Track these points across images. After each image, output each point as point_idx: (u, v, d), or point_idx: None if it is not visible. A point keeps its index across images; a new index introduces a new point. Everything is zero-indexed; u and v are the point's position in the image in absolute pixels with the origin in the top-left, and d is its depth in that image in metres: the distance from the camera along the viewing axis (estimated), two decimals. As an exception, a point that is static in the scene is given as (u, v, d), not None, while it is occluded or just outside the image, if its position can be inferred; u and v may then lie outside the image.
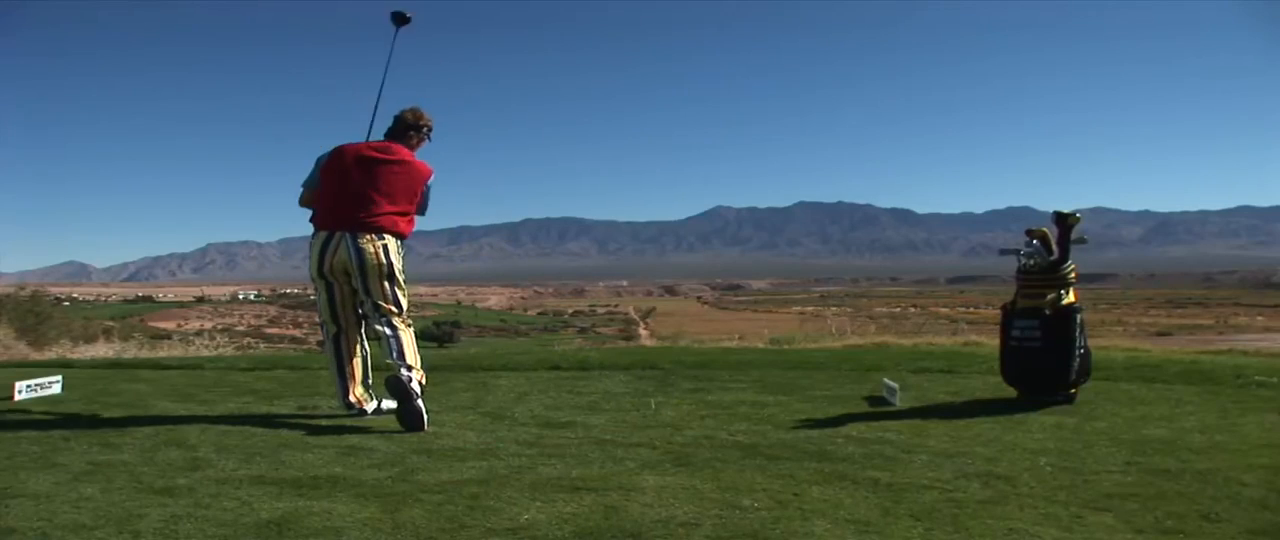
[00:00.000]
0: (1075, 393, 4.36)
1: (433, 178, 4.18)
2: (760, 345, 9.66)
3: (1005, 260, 4.67)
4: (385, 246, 3.99)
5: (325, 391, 4.74)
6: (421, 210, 4.21)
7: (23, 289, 17.29)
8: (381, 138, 4.21)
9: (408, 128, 4.21)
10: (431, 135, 4.32)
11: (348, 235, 3.97)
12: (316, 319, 4.26)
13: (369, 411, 4.13)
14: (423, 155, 4.24)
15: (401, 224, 4.08)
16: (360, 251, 3.95)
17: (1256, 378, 4.99)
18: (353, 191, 4.00)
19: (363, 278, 3.98)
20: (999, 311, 4.57)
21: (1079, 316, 4.32)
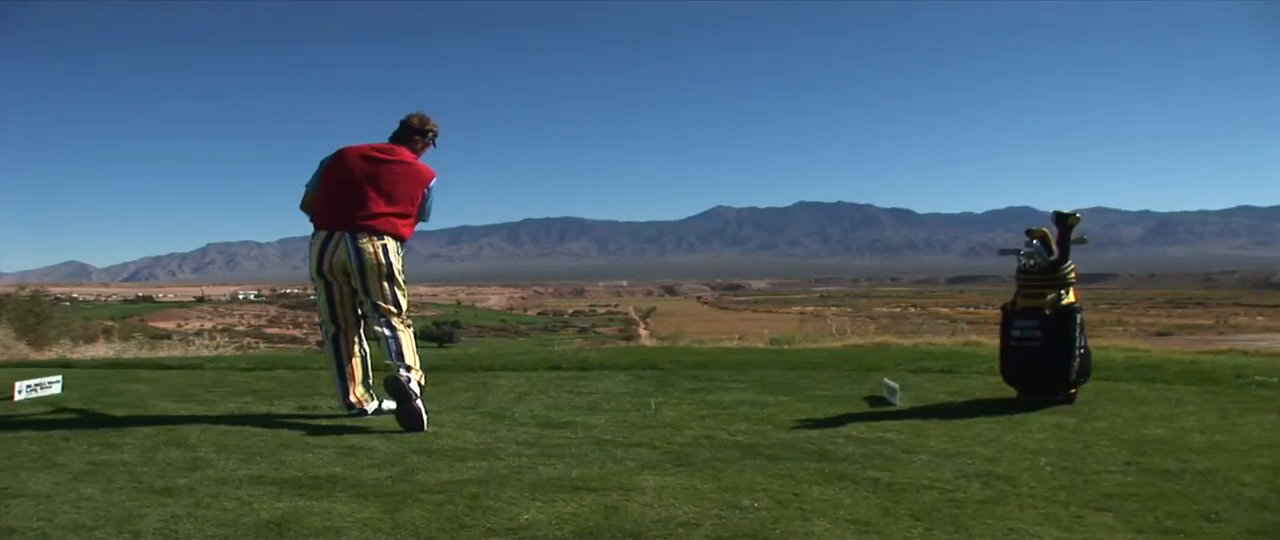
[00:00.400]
0: (1075, 393, 4.36)
1: (435, 181, 4.18)
2: (760, 345, 9.66)
3: (1005, 260, 4.67)
4: (385, 247, 3.99)
5: (325, 391, 4.74)
6: (423, 215, 4.20)
7: (23, 289, 17.29)
8: (387, 141, 4.22)
9: (413, 132, 4.22)
10: (436, 141, 4.32)
11: (347, 235, 3.97)
12: (316, 319, 4.26)
13: (369, 411, 4.13)
14: (426, 161, 4.25)
15: (401, 226, 4.08)
16: (359, 251, 3.95)
17: (1256, 378, 4.99)
18: (353, 192, 4.00)
19: (362, 278, 3.98)
20: (999, 311, 4.57)
21: (1079, 316, 4.31)
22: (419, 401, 3.79)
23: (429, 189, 4.16)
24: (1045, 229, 4.47)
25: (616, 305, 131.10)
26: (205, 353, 9.99)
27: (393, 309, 4.02)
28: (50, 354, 10.11)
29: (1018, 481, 2.81)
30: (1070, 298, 4.36)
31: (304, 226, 4.18)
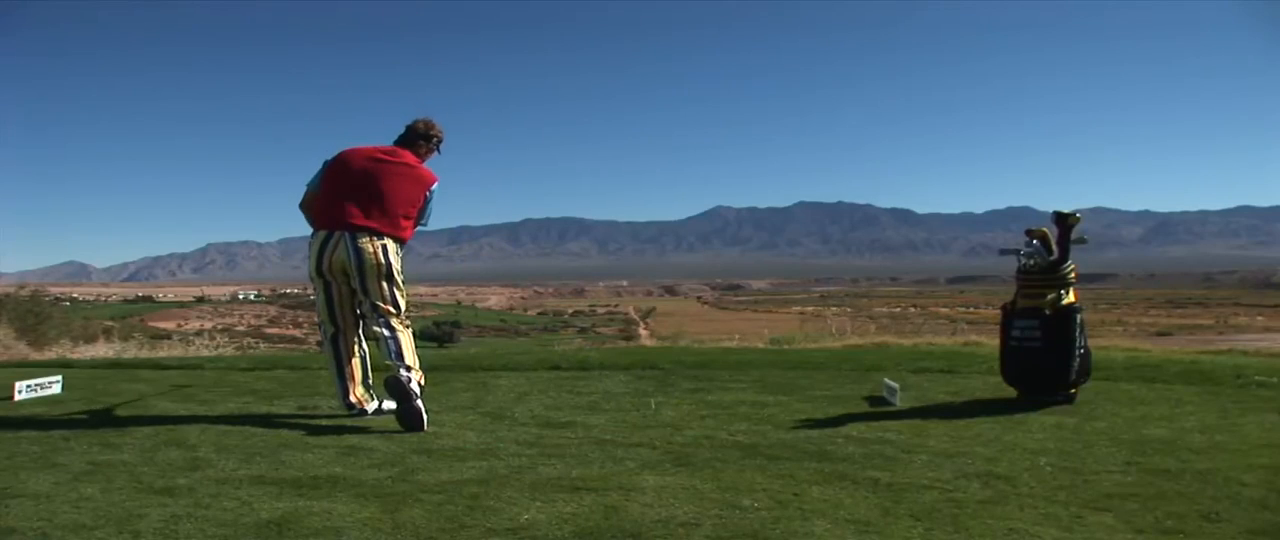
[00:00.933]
0: (1075, 393, 4.36)
1: (437, 186, 4.19)
2: (760, 345, 9.65)
3: (1005, 260, 4.67)
4: (384, 247, 3.99)
5: (325, 391, 4.74)
6: (423, 218, 4.21)
7: (23, 289, 17.26)
8: (391, 144, 4.23)
9: (418, 137, 4.24)
10: (441, 148, 4.34)
11: (347, 235, 3.97)
12: (316, 319, 4.27)
13: (369, 411, 4.13)
14: (429, 166, 4.27)
15: (402, 227, 4.08)
16: (359, 251, 3.95)
17: (1256, 378, 4.99)
18: (355, 192, 4.00)
19: (361, 277, 3.98)
20: (999, 311, 4.57)
21: (1079, 316, 4.32)
22: (419, 401, 3.79)
23: (430, 193, 4.17)
24: (1045, 229, 4.47)
25: (616, 305, 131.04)
26: (205, 353, 9.99)
27: (392, 309, 4.03)
28: (50, 354, 10.10)
29: (1018, 481, 2.81)
30: (1070, 298, 4.36)
31: (304, 227, 4.18)
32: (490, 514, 2.44)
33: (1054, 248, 4.41)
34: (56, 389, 4.93)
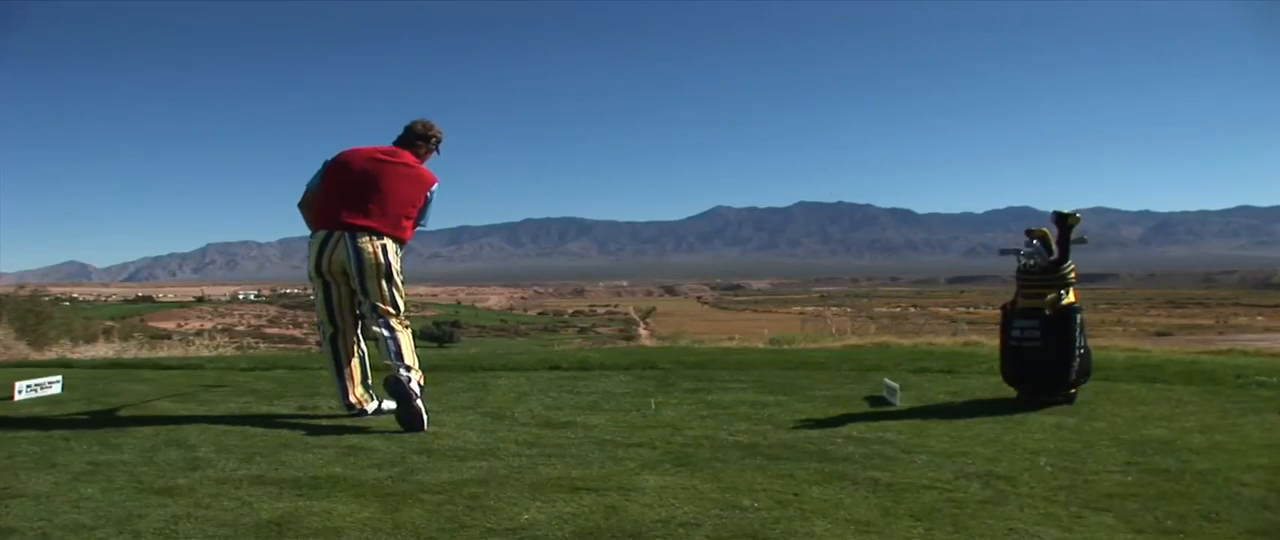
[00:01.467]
0: (1075, 393, 4.36)
1: (437, 186, 4.19)
2: (760, 345, 9.65)
3: (1005, 260, 4.67)
4: (384, 247, 3.99)
5: (325, 391, 4.74)
6: (422, 219, 4.22)
7: (23, 289, 17.27)
8: (391, 144, 4.23)
9: (417, 137, 4.24)
10: (440, 148, 4.34)
11: (346, 235, 3.97)
12: (315, 319, 4.27)
13: (369, 412, 4.13)
14: (428, 166, 4.27)
15: (401, 227, 4.08)
16: (359, 251, 3.95)
17: (1257, 378, 4.99)
18: (355, 193, 4.01)
19: (361, 278, 3.98)
20: (999, 311, 4.57)
21: (1079, 316, 4.32)
22: (419, 401, 3.79)
23: (430, 193, 4.17)
24: (1045, 229, 4.47)
25: (616, 305, 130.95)
26: (205, 353, 9.99)
27: (391, 310, 4.02)
28: (50, 354, 10.10)
29: (1018, 481, 2.81)
30: (1070, 298, 4.36)
31: (304, 226, 4.17)
32: (490, 514, 2.44)
33: (1054, 248, 4.41)
34: (56, 389, 4.93)
